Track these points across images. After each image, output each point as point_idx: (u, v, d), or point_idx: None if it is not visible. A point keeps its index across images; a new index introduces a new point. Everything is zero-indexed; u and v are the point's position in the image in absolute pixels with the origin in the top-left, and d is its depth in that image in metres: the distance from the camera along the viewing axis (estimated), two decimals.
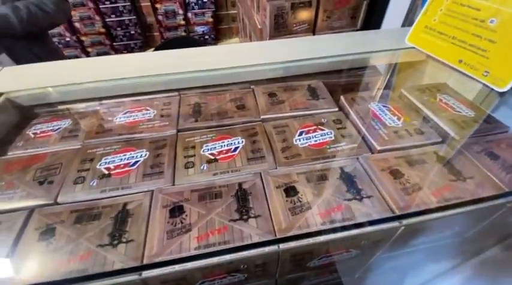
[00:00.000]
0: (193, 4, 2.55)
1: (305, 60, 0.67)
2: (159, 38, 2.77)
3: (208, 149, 0.46)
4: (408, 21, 0.85)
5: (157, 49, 1.73)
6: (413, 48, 0.68)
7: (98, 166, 0.43)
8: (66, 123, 0.53)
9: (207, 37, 2.82)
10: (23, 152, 0.47)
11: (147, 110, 0.55)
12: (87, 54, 2.60)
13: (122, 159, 0.44)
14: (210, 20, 2.68)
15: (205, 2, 2.55)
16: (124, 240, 0.34)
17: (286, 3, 0.91)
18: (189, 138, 0.49)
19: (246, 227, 0.35)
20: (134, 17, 2.52)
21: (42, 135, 0.50)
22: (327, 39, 0.77)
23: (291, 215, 0.36)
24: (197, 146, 0.47)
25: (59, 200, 0.39)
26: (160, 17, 2.57)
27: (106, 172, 0.42)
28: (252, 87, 0.63)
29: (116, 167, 0.43)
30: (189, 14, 2.60)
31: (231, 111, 0.55)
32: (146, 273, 0.30)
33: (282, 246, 0.33)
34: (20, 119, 0.55)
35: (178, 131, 0.50)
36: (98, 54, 2.61)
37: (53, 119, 0.54)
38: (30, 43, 0.87)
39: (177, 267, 0.30)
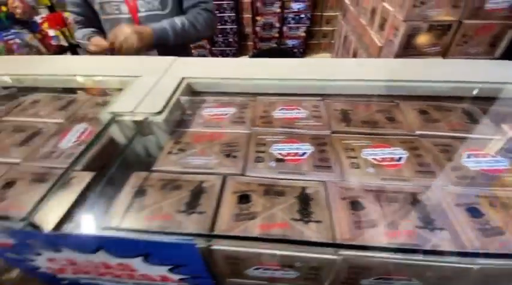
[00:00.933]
0: (290, 19, 2.69)
1: (454, 82, 0.64)
2: (251, 47, 2.98)
3: (368, 154, 0.48)
4: None
5: (252, 57, 1.87)
6: None
7: (271, 151, 0.49)
8: (232, 110, 0.61)
9: (295, 50, 2.93)
10: (204, 129, 0.56)
11: (299, 110, 0.60)
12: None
13: (290, 148, 0.49)
14: (303, 34, 2.79)
15: (302, 17, 2.67)
16: (313, 219, 0.37)
17: (423, 24, 0.90)
18: (345, 140, 0.51)
19: (435, 237, 0.35)
20: (236, 26, 2.78)
21: (215, 117, 0.59)
22: (474, 64, 0.73)
23: (483, 237, 0.35)
24: (356, 149, 0.49)
25: (246, 173, 0.45)
26: (257, 28, 2.77)
27: (280, 157, 0.47)
28: (396, 101, 0.63)
29: (288, 154, 0.48)
30: (284, 28, 2.75)
31: (381, 121, 0.56)
32: (343, 252, 0.33)
33: (476, 267, 0.32)
34: (193, 101, 0.66)
35: (333, 132, 0.54)
36: (198, 56, 2.95)
37: (220, 105, 0.63)
38: (177, 48, 1.06)
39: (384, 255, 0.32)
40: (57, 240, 0.36)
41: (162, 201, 0.41)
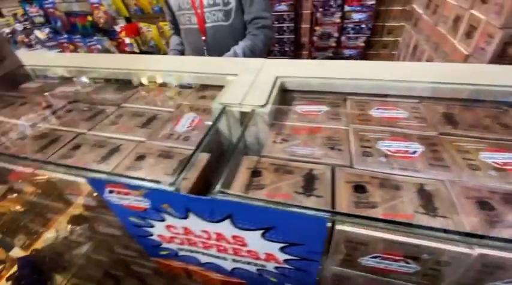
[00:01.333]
0: (349, 29, 2.66)
1: None
2: (306, 56, 3.01)
3: (487, 157, 0.45)
4: None
5: None
6: None
7: (378, 147, 0.49)
8: (325, 108, 0.63)
9: (352, 60, 2.87)
10: (301, 123, 0.59)
11: (398, 110, 0.59)
12: None
13: (399, 146, 0.49)
14: (362, 44, 2.73)
15: (363, 27, 2.62)
16: (439, 214, 0.37)
17: None
18: (456, 143, 0.49)
19: None
20: (293, 36, 2.84)
21: (309, 113, 0.62)
22: None
23: None
24: (471, 152, 0.47)
25: (355, 165, 0.46)
26: (314, 38, 2.79)
27: (389, 153, 0.48)
28: (504, 108, 0.59)
29: (397, 151, 0.48)
30: (343, 37, 2.72)
31: (492, 126, 0.53)
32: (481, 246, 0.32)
33: None
34: (287, 98, 0.69)
35: (440, 134, 0.52)
36: None
37: (311, 103, 0.66)
38: None
39: None
40: (198, 204, 0.40)
41: (278, 182, 0.44)
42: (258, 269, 0.52)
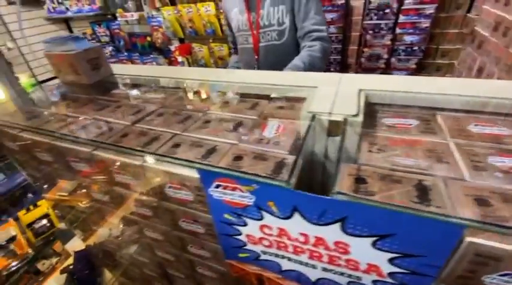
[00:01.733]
0: (400, 51, 2.61)
1: None
2: None
3: None
4: None
5: None
6: None
7: (490, 162, 0.47)
8: (415, 121, 0.62)
9: None
10: (392, 134, 0.59)
11: (500, 127, 0.56)
12: None
13: (511, 162, 0.46)
14: (413, 66, 2.65)
15: (415, 49, 2.56)
16: None
17: None
18: None
19: None
20: (339, 57, 2.86)
21: (399, 126, 0.61)
22: None
23: None
24: None
25: (467, 178, 0.44)
26: (362, 59, 2.78)
27: (504, 168, 0.45)
28: None
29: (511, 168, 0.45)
30: (393, 59, 2.68)
31: None
32: None
33: None
34: (367, 110, 0.70)
35: None
36: None
37: (397, 116, 0.65)
38: None
39: None
40: (312, 204, 0.41)
41: (388, 190, 0.44)
42: (349, 282, 0.51)
